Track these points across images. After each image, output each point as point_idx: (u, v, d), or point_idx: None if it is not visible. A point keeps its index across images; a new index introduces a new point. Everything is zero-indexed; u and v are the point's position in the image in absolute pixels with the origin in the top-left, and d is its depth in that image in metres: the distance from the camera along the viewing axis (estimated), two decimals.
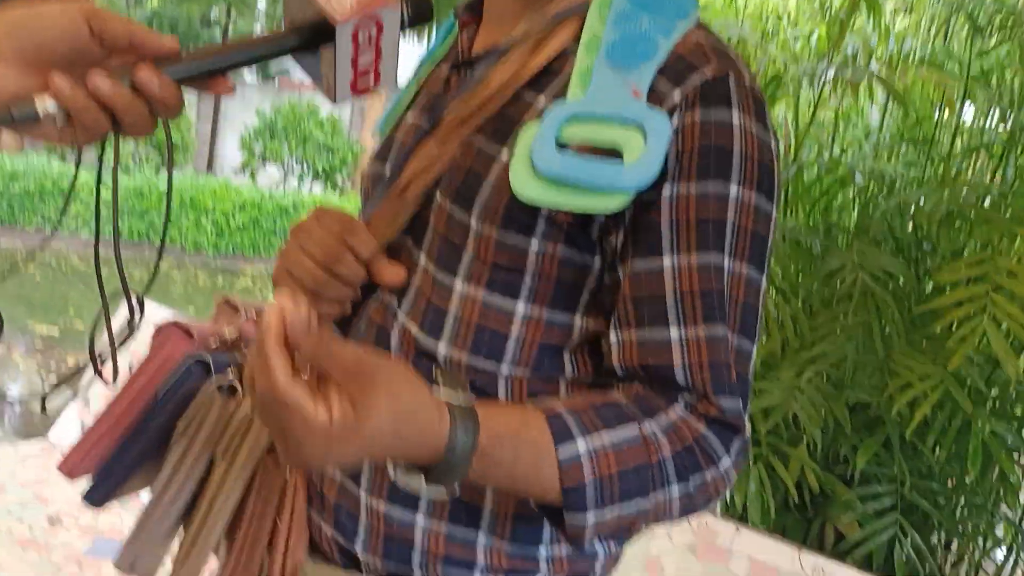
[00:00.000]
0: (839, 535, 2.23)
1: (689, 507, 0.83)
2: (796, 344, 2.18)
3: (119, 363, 0.88)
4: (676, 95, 0.83)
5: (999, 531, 2.31)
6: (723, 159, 0.83)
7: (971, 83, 2.34)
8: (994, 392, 2.24)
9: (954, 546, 2.40)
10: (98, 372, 0.89)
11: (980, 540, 2.34)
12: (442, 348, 0.89)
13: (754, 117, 0.85)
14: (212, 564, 0.98)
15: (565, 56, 0.89)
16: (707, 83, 0.83)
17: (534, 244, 0.86)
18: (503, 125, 0.88)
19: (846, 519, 2.14)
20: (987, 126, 2.53)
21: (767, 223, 0.86)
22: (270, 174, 14.13)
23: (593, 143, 0.83)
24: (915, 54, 2.48)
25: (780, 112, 2.77)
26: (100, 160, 0.87)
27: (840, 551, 2.18)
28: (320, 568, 0.94)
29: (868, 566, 2.14)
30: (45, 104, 0.77)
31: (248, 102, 15.40)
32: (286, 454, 0.70)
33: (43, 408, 1.17)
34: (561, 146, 0.83)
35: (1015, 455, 2.16)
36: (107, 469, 0.94)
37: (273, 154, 13.77)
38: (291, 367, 0.67)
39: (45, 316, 7.13)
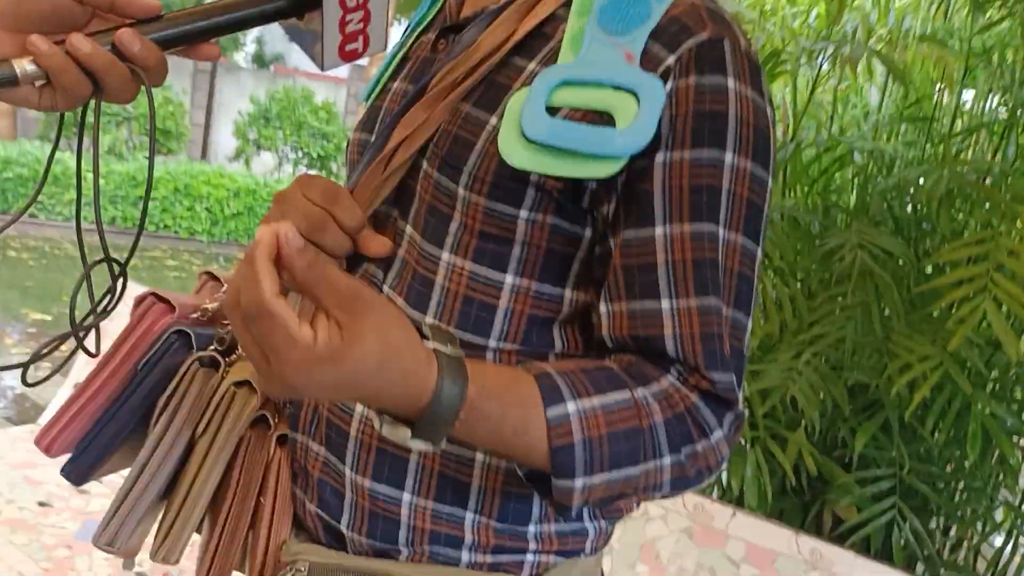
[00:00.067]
0: (837, 519, 2.21)
1: (681, 479, 0.81)
2: (794, 326, 2.16)
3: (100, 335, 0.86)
4: (670, 59, 0.81)
5: (998, 515, 2.30)
6: (718, 125, 0.80)
7: (972, 60, 2.32)
8: (994, 375, 2.22)
9: (953, 531, 2.38)
10: (80, 343, 0.87)
11: (979, 525, 2.32)
12: (428, 321, 0.86)
13: (750, 83, 0.82)
14: (194, 541, 0.95)
15: (556, 20, 0.86)
16: (702, 47, 0.81)
17: (523, 213, 0.83)
18: (492, 91, 0.86)
19: (844, 503, 2.12)
20: (988, 106, 2.50)
21: (763, 192, 0.83)
22: (264, 161, 14.08)
23: (585, 108, 0.80)
24: (915, 31, 2.45)
25: (779, 92, 2.75)
26: (82, 121, 0.85)
27: (838, 535, 2.16)
28: (304, 545, 0.92)
29: (866, 550, 2.12)
30: (24, 66, 0.76)
31: (243, 88, 15.33)
32: (266, 373, 0.66)
33: (24, 379, 1.15)
34: (552, 112, 0.80)
35: (1015, 438, 2.14)
36: (86, 444, 0.92)
37: (267, 141, 13.71)
38: (279, 285, 0.64)
39: (38, 302, 7.10)
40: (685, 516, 2.02)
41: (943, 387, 2.00)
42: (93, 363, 0.93)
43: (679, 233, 0.80)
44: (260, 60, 20.56)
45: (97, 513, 2.44)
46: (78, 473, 0.93)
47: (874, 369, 2.07)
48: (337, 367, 0.65)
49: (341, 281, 0.66)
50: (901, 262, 2.11)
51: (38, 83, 0.77)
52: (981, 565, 2.38)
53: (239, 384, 0.91)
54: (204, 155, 14.60)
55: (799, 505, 2.35)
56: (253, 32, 20.55)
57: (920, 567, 2.24)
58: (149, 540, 0.96)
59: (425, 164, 0.87)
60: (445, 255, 0.86)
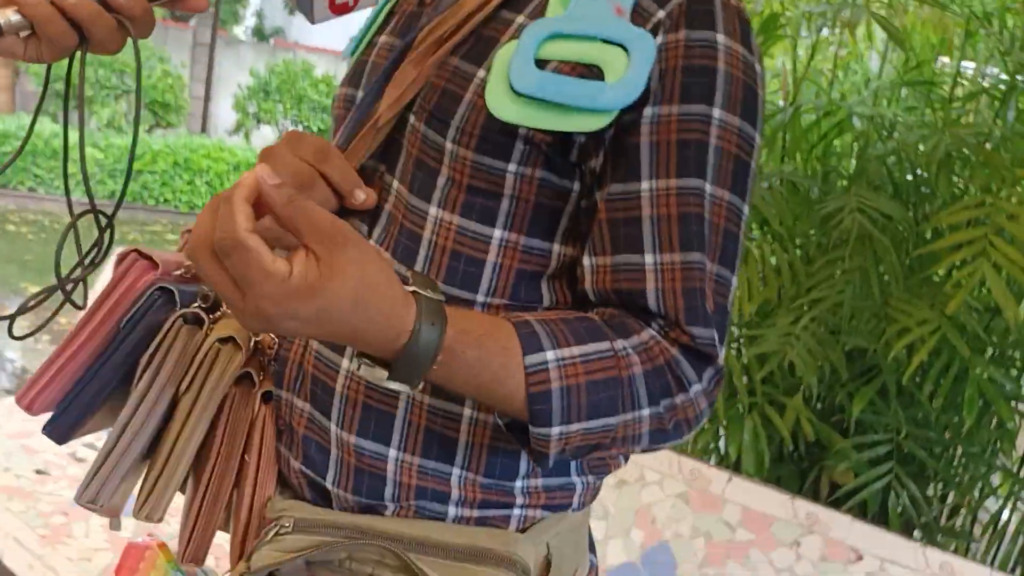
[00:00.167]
0: (834, 485, 2.21)
1: (659, 431, 0.80)
2: (793, 291, 2.15)
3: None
4: (660, 13, 0.80)
5: (995, 480, 2.29)
6: (707, 80, 0.80)
7: (972, 24, 2.30)
8: (993, 340, 2.21)
9: (950, 497, 2.38)
10: (67, 296, 0.86)
11: (976, 491, 2.32)
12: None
13: (739, 39, 0.82)
14: (178, 500, 0.95)
15: None
16: (692, 2, 0.81)
17: (511, 167, 0.83)
18: (480, 44, 0.85)
19: (841, 468, 2.12)
20: (988, 71, 2.48)
21: (750, 148, 0.83)
22: (265, 135, 14.04)
23: (574, 61, 0.80)
24: None
25: (779, 58, 2.73)
26: (68, 73, 0.85)
27: (835, 500, 2.16)
28: (289, 502, 0.91)
29: (863, 516, 2.12)
30: (8, 16, 0.76)
31: (242, 62, 15.25)
32: (240, 307, 0.66)
33: (11, 332, 1.15)
34: (540, 65, 0.80)
35: (1013, 403, 2.13)
36: (68, 402, 0.91)
37: (267, 115, 13.67)
38: (253, 223, 0.64)
39: (37, 276, 7.11)
40: (681, 481, 2.03)
41: (941, 352, 1.99)
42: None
43: (665, 188, 0.80)
44: (260, 33, 20.47)
45: None
46: (60, 431, 0.92)
47: (872, 334, 2.06)
48: (312, 300, 0.65)
49: (320, 215, 0.66)
50: (900, 227, 2.10)
51: (23, 33, 0.77)
52: (978, 531, 2.38)
53: (223, 341, 0.91)
54: (204, 129, 14.55)
55: (796, 471, 2.35)
56: (253, 5, 20.44)
57: (917, 534, 2.24)
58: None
59: (412, 119, 0.87)
60: (432, 209, 0.86)
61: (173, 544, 1.00)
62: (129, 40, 0.82)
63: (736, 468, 2.20)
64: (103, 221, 0.86)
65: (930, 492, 2.34)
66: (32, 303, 0.86)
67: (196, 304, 0.92)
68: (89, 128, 11.52)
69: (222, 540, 0.95)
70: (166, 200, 11.23)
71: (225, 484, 0.91)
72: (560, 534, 0.92)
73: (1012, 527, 2.26)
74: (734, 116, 0.81)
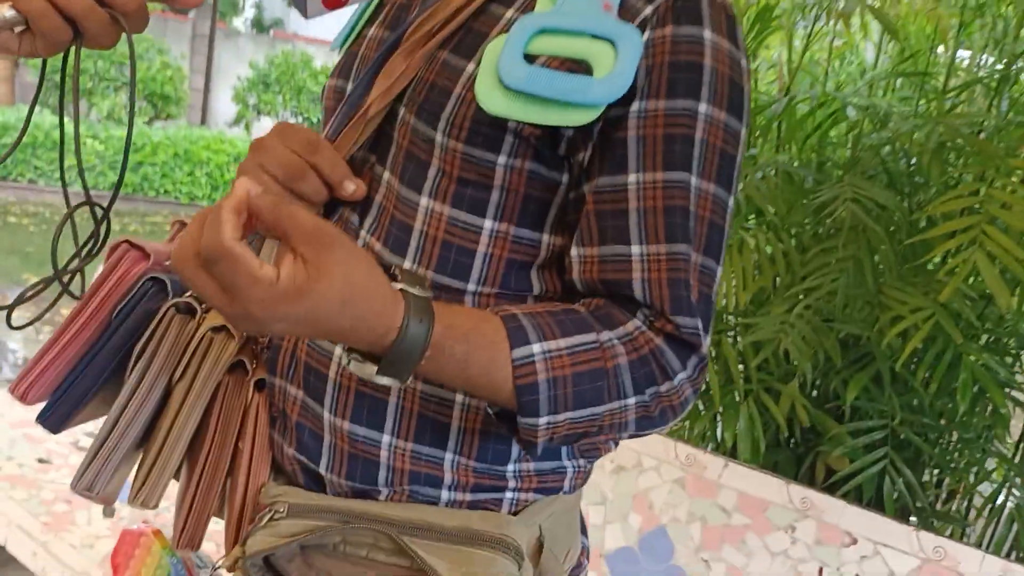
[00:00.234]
0: (830, 471, 2.23)
1: (645, 418, 0.82)
2: (787, 280, 2.17)
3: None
4: (647, 9, 0.82)
5: (990, 465, 2.31)
6: (693, 76, 0.82)
7: (967, 14, 2.30)
8: (987, 327, 2.22)
9: (946, 483, 2.40)
10: (64, 287, 0.87)
11: (971, 476, 2.34)
12: (406, 266, 0.87)
13: (726, 34, 0.84)
14: (172, 487, 0.96)
15: None
16: None
17: (501, 159, 0.84)
18: (469, 38, 0.86)
19: (836, 454, 2.14)
20: (984, 60, 2.49)
21: (736, 141, 0.85)
22: (264, 126, 14.03)
23: (562, 56, 0.81)
24: None
25: (775, 49, 2.74)
26: (63, 68, 0.86)
27: (830, 486, 2.18)
28: (283, 488, 0.93)
29: (858, 502, 2.14)
30: (3, 11, 0.77)
31: (241, 53, 15.24)
32: (229, 312, 0.67)
33: (8, 322, 1.16)
34: (529, 59, 0.81)
35: (1007, 390, 2.15)
36: (62, 392, 0.92)
37: (267, 106, 13.66)
38: (240, 233, 0.65)
39: (39, 268, 7.12)
40: (678, 467, 2.04)
41: (935, 339, 2.00)
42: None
43: (652, 181, 0.81)
44: (259, 25, 20.43)
45: None
46: (54, 421, 0.93)
47: (866, 321, 2.07)
48: (301, 302, 0.66)
49: (305, 218, 0.67)
50: (895, 215, 2.11)
51: (18, 29, 0.78)
52: (973, 516, 2.40)
53: (216, 330, 0.92)
54: (204, 120, 14.54)
55: (792, 457, 2.36)
56: None
57: (914, 519, 2.26)
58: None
59: (403, 111, 0.88)
60: (423, 200, 0.87)
61: (168, 530, 1.01)
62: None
63: (732, 454, 2.22)
64: (99, 213, 0.88)
65: (926, 478, 2.36)
66: (29, 294, 0.87)
67: (188, 293, 0.93)
68: (89, 120, 11.52)
69: (219, 525, 0.97)
70: (166, 191, 11.24)
71: (219, 471, 0.92)
72: (552, 516, 0.94)
73: (1006, 512, 2.27)
74: (720, 111, 0.83)
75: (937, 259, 2.12)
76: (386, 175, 0.90)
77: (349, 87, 0.95)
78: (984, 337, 2.23)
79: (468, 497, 0.90)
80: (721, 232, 0.84)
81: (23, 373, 0.92)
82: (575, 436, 0.82)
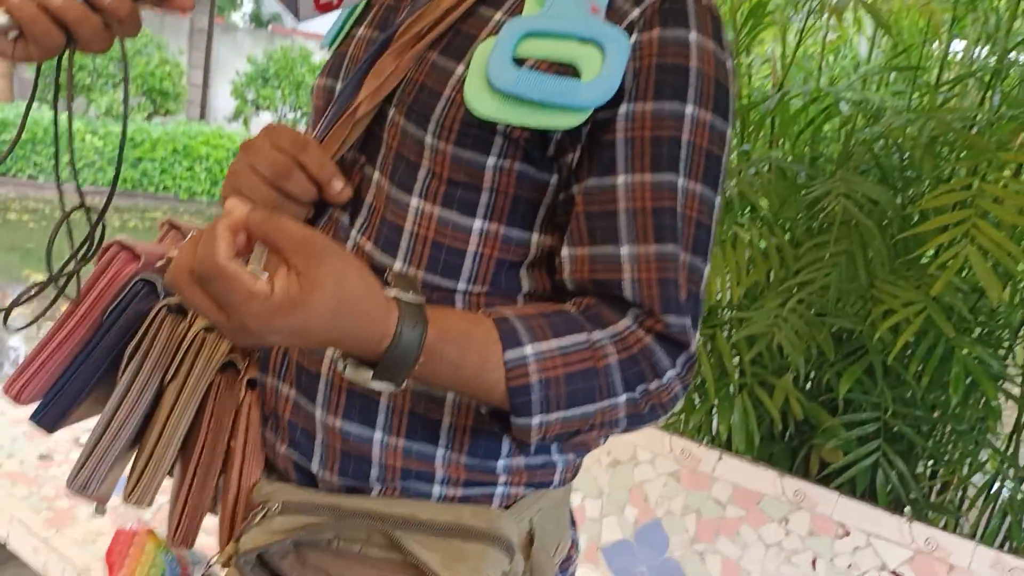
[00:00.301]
0: (824, 464, 2.25)
1: (635, 416, 0.84)
2: (781, 274, 2.18)
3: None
4: (634, 12, 0.83)
5: (982, 456, 2.33)
6: (680, 78, 0.83)
7: (959, 8, 2.31)
8: (980, 320, 2.24)
9: (939, 474, 2.41)
10: (60, 290, 0.88)
11: (965, 468, 2.35)
12: (397, 266, 0.88)
13: (711, 36, 0.85)
14: (166, 485, 0.98)
15: None
16: (665, 1, 0.83)
17: (491, 160, 0.85)
18: (458, 39, 0.87)
19: (829, 446, 2.15)
20: (978, 54, 2.50)
21: (722, 142, 0.86)
22: (264, 121, 14.02)
23: (551, 59, 0.82)
24: None
25: (769, 46, 2.75)
26: (57, 72, 0.87)
27: (824, 478, 2.19)
28: (276, 485, 0.94)
29: (852, 494, 2.16)
30: None
31: (240, 48, 15.23)
32: (225, 327, 0.69)
33: (5, 324, 1.18)
34: (518, 62, 0.82)
35: (999, 383, 2.16)
36: (55, 392, 0.93)
37: (266, 101, 13.65)
38: (234, 251, 0.67)
39: (40, 264, 7.13)
40: (673, 460, 2.06)
41: (927, 332, 2.02)
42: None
43: (640, 182, 0.83)
44: (257, 20, 20.39)
45: None
46: (48, 420, 0.94)
47: (858, 315, 2.09)
48: (296, 314, 0.67)
49: (294, 229, 0.68)
50: (888, 210, 2.12)
51: (11, 34, 0.79)
52: (966, 507, 2.42)
53: (208, 329, 0.93)
54: (203, 116, 14.52)
55: (787, 450, 2.38)
56: None
57: (907, 511, 2.28)
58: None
59: (392, 112, 0.89)
60: (414, 201, 0.88)
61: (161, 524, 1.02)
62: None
63: (728, 447, 2.23)
64: (94, 215, 0.89)
65: (920, 469, 2.37)
66: (25, 297, 0.89)
67: None
68: (88, 116, 11.51)
69: (215, 520, 0.98)
70: (166, 187, 11.23)
71: (212, 470, 0.93)
72: (542, 510, 0.95)
73: (999, 503, 2.29)
74: (706, 112, 0.84)
75: (930, 253, 2.13)
76: (376, 175, 0.91)
77: (338, 87, 0.96)
78: (977, 330, 2.24)
79: (459, 492, 0.91)
80: (708, 231, 0.86)
81: (16, 373, 0.93)
82: (567, 434, 0.84)
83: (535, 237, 0.89)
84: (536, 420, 0.80)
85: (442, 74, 0.86)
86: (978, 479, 2.35)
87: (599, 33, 0.82)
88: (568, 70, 0.82)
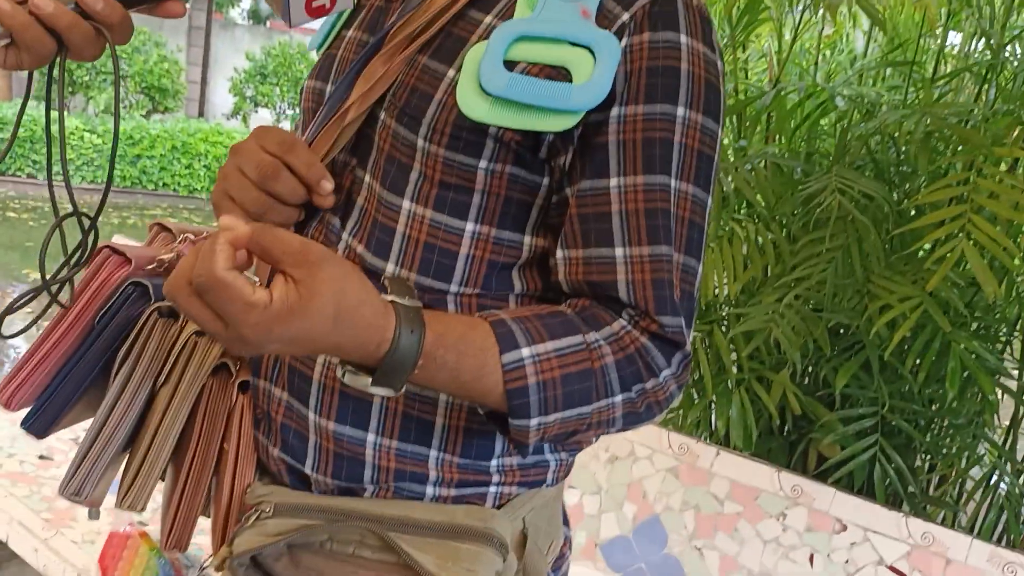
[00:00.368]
0: (822, 458, 2.25)
1: (631, 415, 0.84)
2: (777, 270, 2.19)
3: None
4: (625, 16, 0.84)
5: (980, 450, 2.33)
6: (671, 80, 0.84)
7: (955, 3, 2.31)
8: (977, 314, 2.24)
9: (937, 468, 2.42)
10: (53, 297, 0.89)
11: (963, 462, 2.36)
12: (389, 268, 0.89)
13: (701, 38, 0.86)
14: (158, 489, 0.98)
15: None
16: (655, 4, 0.84)
17: (483, 163, 0.86)
18: (449, 42, 0.88)
19: (827, 441, 2.16)
20: (970, 49, 2.50)
21: (712, 143, 0.87)
22: (263, 118, 14.02)
23: (542, 63, 0.83)
24: None
25: (765, 42, 2.75)
26: (48, 80, 0.87)
27: (821, 473, 2.20)
28: (269, 487, 0.94)
29: (850, 489, 2.16)
30: None
31: (238, 45, 15.21)
32: (224, 337, 0.69)
33: None
34: (509, 66, 0.83)
35: (997, 377, 2.16)
36: (46, 398, 0.93)
37: (265, 98, 13.64)
38: (232, 262, 0.67)
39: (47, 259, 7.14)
40: (671, 456, 2.06)
41: (924, 327, 2.02)
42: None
43: (633, 184, 0.83)
44: (256, 16, 20.37)
45: None
46: (39, 426, 0.95)
47: (855, 310, 2.09)
48: (294, 322, 0.68)
49: (290, 239, 0.69)
50: (883, 205, 2.12)
51: (2, 42, 0.79)
52: (964, 501, 2.42)
53: (200, 333, 0.93)
54: (201, 113, 14.51)
55: (785, 445, 2.38)
56: None
57: (905, 507, 2.28)
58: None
59: (383, 115, 0.89)
60: (406, 203, 0.88)
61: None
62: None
63: (726, 443, 2.24)
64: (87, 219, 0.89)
65: (917, 463, 2.38)
66: (17, 306, 0.89)
67: None
68: (87, 114, 11.51)
69: (209, 522, 0.98)
70: (165, 184, 11.24)
71: (205, 473, 0.94)
72: (535, 509, 0.96)
73: (997, 497, 2.29)
74: (697, 113, 0.85)
75: (926, 248, 2.13)
76: (367, 178, 0.91)
77: (328, 89, 0.97)
78: (973, 325, 2.24)
79: (453, 492, 0.92)
80: (701, 231, 0.87)
81: (7, 379, 0.94)
82: (565, 435, 0.84)
83: (527, 239, 0.90)
84: (534, 422, 0.80)
85: (433, 77, 0.87)
86: (976, 472, 2.36)
87: (590, 37, 0.82)
88: (559, 73, 0.82)
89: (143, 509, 0.93)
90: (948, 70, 2.48)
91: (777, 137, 2.49)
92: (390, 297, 0.76)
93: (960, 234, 1.79)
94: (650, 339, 0.84)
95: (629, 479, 2.12)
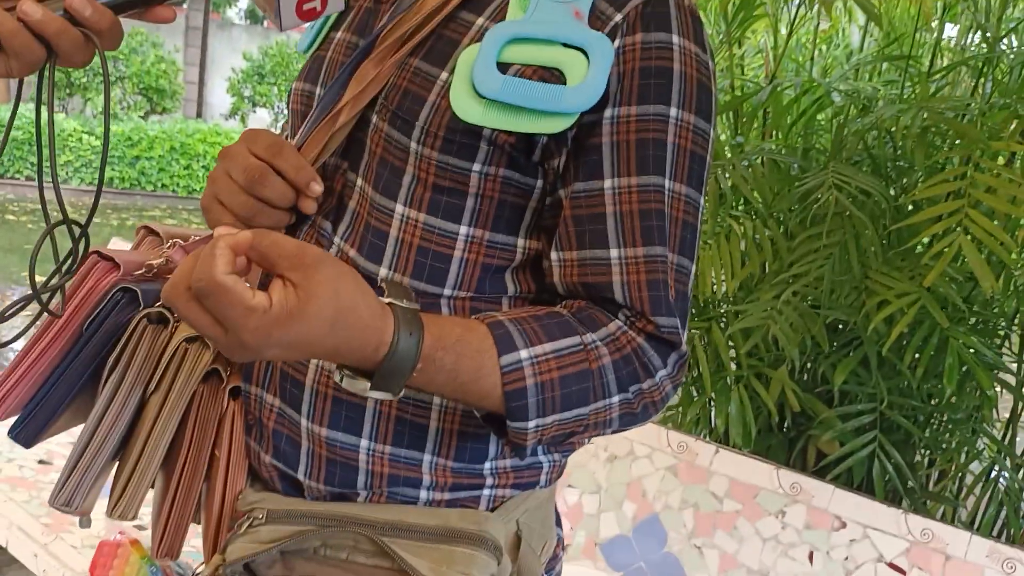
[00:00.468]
0: (821, 455, 2.25)
1: (628, 415, 0.84)
2: (775, 267, 2.18)
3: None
4: (617, 17, 0.84)
5: (980, 445, 2.33)
6: (663, 81, 0.84)
7: None
8: (975, 309, 2.24)
9: (936, 463, 2.42)
10: (43, 305, 0.88)
11: (962, 456, 2.35)
12: (383, 272, 0.89)
13: (693, 38, 0.86)
14: (149, 497, 0.97)
15: None
16: (647, 5, 0.84)
17: (476, 166, 0.86)
18: (440, 45, 0.87)
19: (826, 438, 2.16)
20: (967, 42, 2.49)
21: (705, 143, 0.87)
22: (261, 118, 14.02)
23: (535, 65, 0.83)
24: None
25: (761, 38, 2.74)
26: (39, 86, 0.86)
27: (820, 470, 2.20)
28: (262, 494, 0.94)
29: (849, 485, 2.16)
30: None
31: (235, 44, 15.19)
32: (223, 343, 0.69)
33: None
34: (503, 68, 0.83)
35: (995, 372, 2.16)
36: (34, 406, 0.93)
37: (263, 98, 13.63)
38: (232, 267, 0.67)
39: (39, 266, 7.14)
40: (670, 454, 2.06)
41: (922, 322, 2.02)
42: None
43: (627, 185, 0.83)
44: (253, 16, 20.36)
45: None
46: (27, 434, 0.93)
47: (853, 307, 2.09)
48: (294, 326, 0.68)
49: (286, 243, 0.69)
50: (881, 200, 2.12)
51: None
52: (964, 495, 2.42)
53: (190, 340, 0.92)
54: (199, 113, 14.50)
55: (784, 441, 2.38)
56: None
57: (905, 503, 2.28)
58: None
59: (375, 118, 0.89)
60: (399, 207, 0.88)
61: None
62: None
63: (725, 440, 2.24)
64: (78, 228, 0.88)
65: (917, 459, 2.37)
66: (9, 313, 0.88)
67: (160, 303, 0.93)
68: (85, 115, 11.50)
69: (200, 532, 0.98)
70: (164, 185, 11.24)
71: (196, 480, 0.93)
72: (528, 511, 0.96)
73: (996, 493, 2.29)
74: (689, 114, 0.85)
75: (924, 243, 2.13)
76: (359, 182, 0.91)
77: (317, 91, 0.96)
78: (971, 320, 2.24)
79: (446, 496, 0.91)
80: (694, 231, 0.87)
81: None
82: (562, 436, 0.84)
83: (521, 241, 0.90)
84: (532, 424, 0.80)
85: (426, 80, 0.86)
86: (975, 467, 2.35)
87: (583, 38, 0.82)
88: (553, 75, 0.82)
89: (134, 518, 0.93)
90: (944, 64, 2.48)
91: (774, 133, 2.49)
92: (388, 299, 0.75)
93: (957, 229, 1.79)
94: (646, 339, 0.84)
95: (628, 478, 2.12)
